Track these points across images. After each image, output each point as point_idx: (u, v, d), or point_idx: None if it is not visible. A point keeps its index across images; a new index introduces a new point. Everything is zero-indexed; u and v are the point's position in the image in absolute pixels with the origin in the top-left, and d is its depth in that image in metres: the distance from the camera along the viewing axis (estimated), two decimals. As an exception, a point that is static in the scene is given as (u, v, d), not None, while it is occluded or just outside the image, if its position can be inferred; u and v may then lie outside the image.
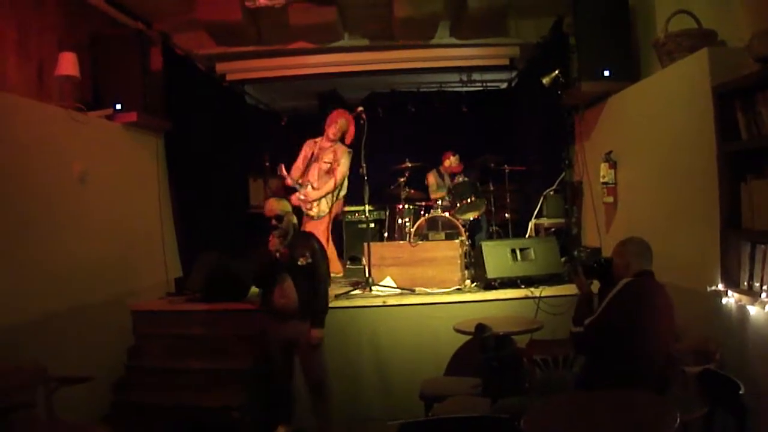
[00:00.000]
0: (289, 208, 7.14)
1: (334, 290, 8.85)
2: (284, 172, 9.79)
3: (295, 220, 7.24)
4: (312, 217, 9.99)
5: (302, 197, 9.82)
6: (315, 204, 9.94)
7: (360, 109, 9.21)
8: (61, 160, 7.32)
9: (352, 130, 10.12)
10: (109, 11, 8.95)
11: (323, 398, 7.14)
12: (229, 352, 8.02)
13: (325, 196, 10.02)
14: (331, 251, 10.04)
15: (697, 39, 6.25)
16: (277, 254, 6.85)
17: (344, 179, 10.10)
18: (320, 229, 9.85)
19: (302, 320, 6.88)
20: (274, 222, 6.95)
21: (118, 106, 8.53)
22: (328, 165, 9.99)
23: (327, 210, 10.05)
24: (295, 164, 10.14)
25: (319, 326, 6.93)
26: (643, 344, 4.81)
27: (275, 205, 7.03)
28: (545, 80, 8.87)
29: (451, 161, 12.23)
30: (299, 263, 6.88)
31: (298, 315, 6.88)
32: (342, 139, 10.16)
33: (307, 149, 10.22)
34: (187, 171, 10.17)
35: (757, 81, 4.98)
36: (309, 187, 9.85)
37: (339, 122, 10.07)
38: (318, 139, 10.22)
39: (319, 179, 9.97)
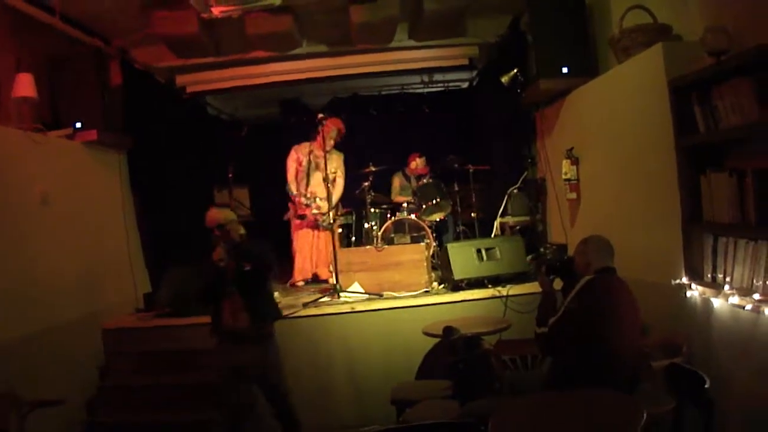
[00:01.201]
0: (233, 217, 6.76)
1: (301, 298, 8.87)
2: (296, 195, 9.81)
3: (242, 230, 6.74)
4: (326, 228, 9.94)
5: (316, 211, 9.89)
6: (327, 215, 9.78)
7: (321, 115, 9.23)
8: (22, 182, 7.25)
9: (343, 130, 10.43)
10: (65, 29, 8.84)
11: (295, 425, 6.67)
12: (201, 366, 7.93)
13: (337, 205, 10.07)
14: None
15: (652, 34, 6.28)
16: (221, 263, 6.38)
17: None
18: (327, 236, 9.99)
19: (256, 343, 6.40)
20: (216, 232, 6.53)
21: (78, 125, 8.46)
22: (333, 174, 10.06)
23: (336, 217, 10.07)
24: (290, 176, 10.22)
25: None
26: (608, 341, 4.81)
27: (217, 215, 6.62)
28: (504, 79, 8.89)
29: (417, 163, 12.21)
30: (246, 269, 6.35)
31: (252, 336, 6.38)
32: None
33: (299, 157, 10.24)
34: (151, 186, 10.09)
35: (712, 74, 5.01)
36: (317, 199, 9.89)
37: (333, 130, 10.19)
38: (305, 146, 10.25)
39: (323, 189, 9.86)
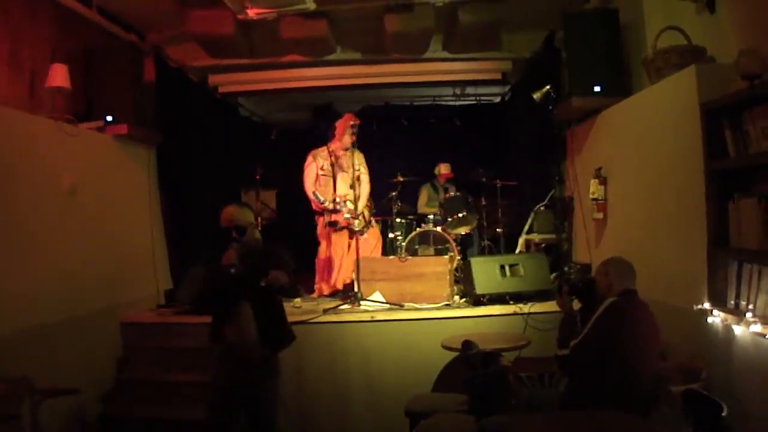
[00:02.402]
0: (252, 219, 6.27)
1: (322, 304, 8.85)
2: (323, 202, 9.70)
3: (258, 235, 6.45)
4: (362, 233, 9.76)
5: (348, 215, 9.68)
6: (361, 217, 9.80)
7: (352, 122, 9.20)
8: (51, 172, 7.30)
9: (357, 121, 10.17)
10: (102, 23, 8.93)
11: None
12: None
13: (367, 205, 10.06)
14: None
15: (686, 55, 6.22)
16: (232, 269, 5.72)
17: None
18: (375, 241, 10.08)
19: (260, 366, 5.71)
20: (234, 234, 6.00)
21: (109, 118, 8.50)
22: (357, 172, 9.98)
23: (369, 216, 10.11)
24: (309, 184, 9.97)
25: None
26: (628, 364, 4.79)
27: (236, 214, 6.08)
28: (536, 95, 8.85)
29: (441, 168, 12.21)
30: (262, 284, 5.71)
31: (256, 356, 5.68)
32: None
33: (319, 162, 10.05)
34: (179, 183, 10.16)
35: (744, 99, 4.95)
36: (347, 202, 9.73)
37: (347, 126, 9.99)
38: (323, 149, 10.07)
39: (351, 189, 9.85)
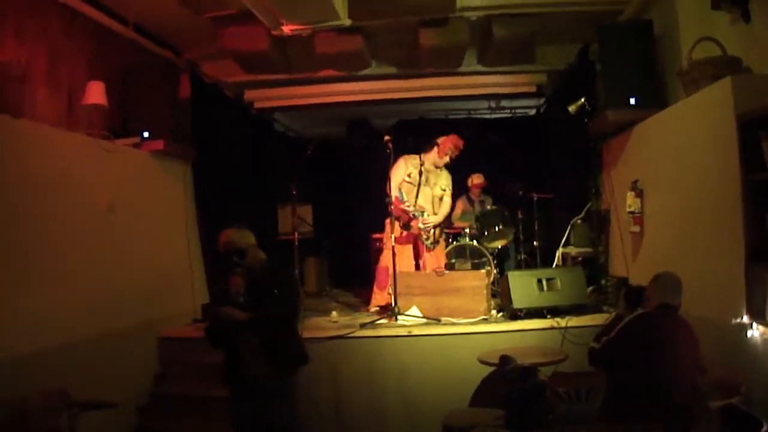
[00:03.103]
0: (253, 240, 5.98)
1: (359, 318, 8.85)
2: (396, 197, 9.57)
3: (262, 255, 6.05)
4: (428, 247, 9.79)
5: (421, 225, 9.60)
6: (432, 232, 9.78)
7: (387, 137, 9.16)
8: (89, 188, 7.38)
9: (461, 147, 9.93)
10: (138, 40, 9.04)
11: None
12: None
13: (442, 222, 10.00)
14: None
15: (721, 67, 6.18)
16: (240, 299, 5.62)
17: None
18: (439, 259, 9.90)
19: (274, 397, 5.64)
20: (235, 258, 5.77)
21: (146, 134, 8.57)
22: (442, 192, 9.95)
23: (438, 236, 10.00)
24: (394, 184, 9.55)
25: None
26: (657, 377, 4.79)
27: (235, 237, 5.84)
28: (571, 108, 8.84)
29: (473, 178, 12.21)
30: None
31: (269, 388, 5.61)
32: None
33: (409, 168, 9.85)
34: (215, 198, 10.21)
35: (781, 110, 4.93)
36: (424, 213, 9.65)
37: (451, 148, 9.79)
38: (415, 158, 9.90)
39: (433, 206, 9.86)
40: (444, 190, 9.96)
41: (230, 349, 5.72)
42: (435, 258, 9.85)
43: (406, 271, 9.31)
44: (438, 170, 9.93)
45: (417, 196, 9.61)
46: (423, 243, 9.65)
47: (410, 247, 9.81)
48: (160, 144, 8.63)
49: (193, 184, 9.93)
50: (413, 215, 9.57)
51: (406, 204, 9.47)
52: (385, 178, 9.22)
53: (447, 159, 9.82)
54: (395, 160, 9.49)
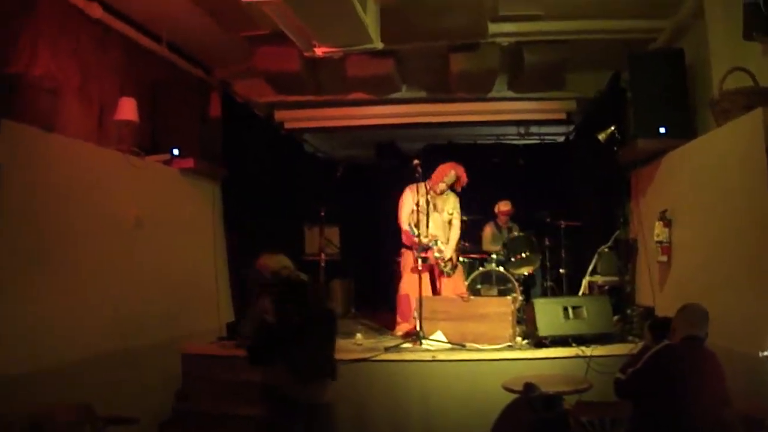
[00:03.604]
0: (288, 263, 6.16)
1: (384, 342, 8.85)
2: (406, 231, 9.67)
3: (303, 276, 6.17)
4: (448, 274, 9.78)
5: (438, 254, 9.55)
6: (449, 259, 9.77)
7: (416, 161, 9.17)
8: (118, 203, 7.43)
9: (464, 178, 9.98)
10: (170, 58, 9.11)
11: None
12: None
13: (456, 248, 10.01)
14: None
15: (753, 97, 6.14)
16: (269, 320, 5.64)
17: None
18: (457, 283, 9.87)
19: (307, 414, 5.66)
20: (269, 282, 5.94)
21: (176, 152, 8.63)
22: (450, 216, 9.96)
23: (456, 260, 10.00)
24: (404, 215, 9.79)
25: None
26: (683, 409, 4.76)
27: (270, 262, 6.09)
28: (601, 136, 8.82)
29: (500, 205, 12.16)
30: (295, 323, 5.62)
31: (302, 404, 5.65)
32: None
33: (416, 197, 9.70)
34: (243, 218, 10.27)
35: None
36: (438, 242, 9.60)
37: (449, 174, 9.84)
38: (421, 186, 9.72)
39: (443, 231, 9.84)
40: (451, 214, 9.98)
41: (266, 365, 5.83)
42: (453, 283, 9.84)
43: (431, 296, 9.31)
44: (443, 195, 9.95)
45: (428, 225, 9.57)
46: (442, 271, 9.60)
47: (427, 272, 9.74)
48: (190, 162, 8.69)
49: (222, 203, 9.98)
50: (428, 246, 9.56)
51: (418, 235, 9.46)
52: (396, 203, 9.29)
53: (444, 186, 9.88)
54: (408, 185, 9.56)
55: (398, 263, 10.12)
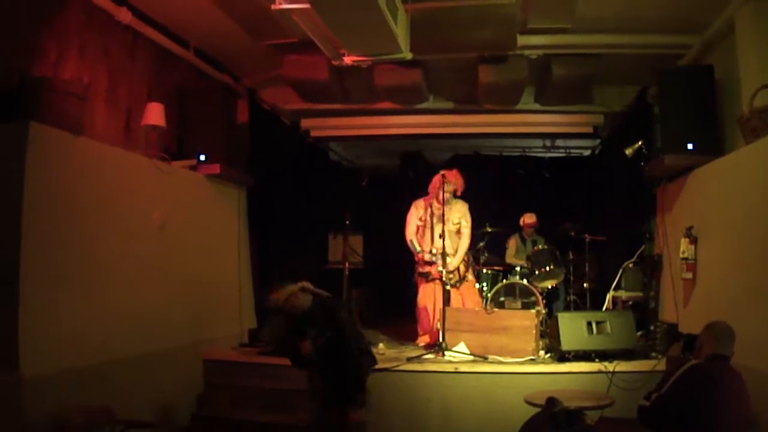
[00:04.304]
0: (291, 289, 6.24)
1: (406, 352, 8.84)
2: (419, 252, 9.75)
3: (308, 300, 6.25)
4: (455, 286, 9.71)
5: (442, 269, 9.38)
6: (455, 271, 9.77)
7: (443, 172, 9.18)
8: (144, 207, 7.49)
9: (461, 181, 9.92)
10: (198, 64, 9.19)
11: None
12: (298, 408, 7.96)
13: (464, 259, 9.97)
14: None
15: (783, 116, 6.14)
16: (309, 356, 5.98)
17: None
18: (465, 296, 9.84)
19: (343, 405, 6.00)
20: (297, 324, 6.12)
21: (202, 158, 8.68)
22: (457, 225, 9.89)
23: (464, 271, 9.98)
24: (409, 231, 9.87)
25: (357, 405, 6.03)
26: (709, 430, 4.71)
27: (280, 296, 6.16)
28: (628, 151, 8.77)
29: (525, 218, 12.08)
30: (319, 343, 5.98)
31: (335, 401, 6.03)
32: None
33: (421, 212, 9.91)
34: (268, 224, 10.33)
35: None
36: (442, 256, 9.45)
37: (449, 183, 9.68)
38: (422, 201, 9.97)
39: (451, 240, 9.73)
40: (458, 223, 9.89)
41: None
42: (461, 294, 9.81)
43: (455, 308, 9.30)
44: (449, 204, 9.81)
45: (432, 238, 9.60)
46: (447, 284, 9.56)
47: (438, 284, 9.69)
48: (217, 168, 8.74)
49: (247, 209, 10.04)
50: (433, 260, 9.60)
51: (421, 252, 9.64)
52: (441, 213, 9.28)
53: (447, 195, 9.73)
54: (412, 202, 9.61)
55: (416, 275, 10.10)
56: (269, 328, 8.73)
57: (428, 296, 9.75)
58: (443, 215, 9.53)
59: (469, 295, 9.89)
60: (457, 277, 9.71)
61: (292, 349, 6.17)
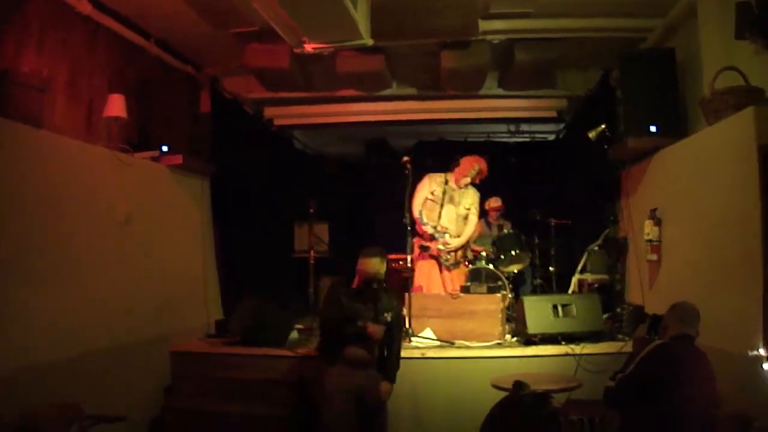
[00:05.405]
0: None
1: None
2: (426, 223, 9.74)
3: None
4: (449, 268, 9.82)
5: (441, 246, 9.63)
6: (453, 253, 9.83)
7: (406, 158, 9.14)
8: (107, 200, 7.40)
9: (485, 172, 10.02)
10: (159, 54, 9.08)
11: None
12: (265, 397, 7.96)
13: (466, 244, 10.04)
14: None
15: (743, 97, 6.15)
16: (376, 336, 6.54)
17: None
18: (455, 281, 9.82)
19: (377, 370, 6.68)
20: (374, 285, 6.84)
21: (165, 148, 8.60)
22: (467, 211, 9.94)
23: (462, 257, 10.05)
24: (417, 202, 9.77)
25: (391, 381, 6.79)
26: (676, 409, 4.74)
27: (379, 267, 6.88)
28: (591, 134, 8.80)
29: (490, 202, 12.06)
30: (382, 319, 6.62)
31: (373, 365, 6.65)
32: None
33: (432, 186, 9.90)
34: (232, 214, 10.27)
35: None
36: (447, 235, 9.67)
37: (474, 167, 9.84)
38: (441, 176, 9.97)
39: (456, 225, 9.86)
40: (468, 209, 9.93)
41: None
42: (451, 279, 9.82)
43: (421, 293, 9.30)
44: (463, 189, 9.91)
45: (440, 215, 9.63)
46: (443, 265, 9.62)
47: (435, 265, 9.82)
48: (179, 158, 8.66)
49: (211, 199, 9.97)
50: (433, 236, 9.60)
51: (426, 224, 9.56)
52: (402, 199, 9.21)
53: (468, 180, 9.84)
54: (415, 181, 9.49)
55: (395, 260, 10.01)
56: (238, 317, 8.70)
57: (424, 275, 9.78)
58: (459, 198, 9.76)
59: (460, 282, 9.82)
60: (453, 260, 9.75)
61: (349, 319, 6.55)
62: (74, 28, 7.53)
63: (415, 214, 9.64)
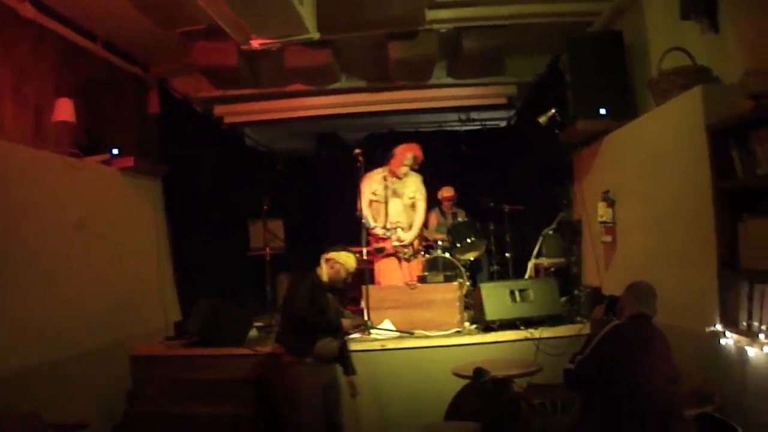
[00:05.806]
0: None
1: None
2: (373, 227, 9.73)
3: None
4: (408, 260, 9.82)
5: (396, 243, 9.63)
6: (410, 246, 9.83)
7: (357, 151, 9.13)
8: (58, 206, 7.28)
9: (420, 156, 10.02)
10: (105, 56, 8.98)
11: None
12: (227, 396, 7.90)
13: (420, 233, 10.04)
14: None
15: (691, 77, 6.19)
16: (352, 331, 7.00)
17: None
18: (413, 271, 9.81)
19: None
20: (348, 281, 7.15)
21: (115, 151, 8.48)
22: (412, 199, 9.93)
23: (418, 246, 10.07)
24: (361, 205, 9.67)
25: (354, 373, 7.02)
26: (635, 388, 4.78)
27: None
28: (541, 119, 8.81)
29: (443, 191, 12.10)
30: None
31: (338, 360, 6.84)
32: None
33: (373, 186, 9.86)
34: (186, 215, 10.19)
35: (751, 118, 4.93)
36: (399, 230, 9.67)
37: (407, 156, 9.84)
38: (378, 172, 9.95)
39: (406, 215, 9.87)
40: (413, 197, 9.93)
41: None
42: (410, 270, 9.82)
43: (378, 285, 9.30)
44: (403, 178, 9.91)
45: (387, 213, 9.62)
46: (401, 258, 9.63)
47: (393, 260, 9.82)
48: (130, 161, 8.56)
49: (164, 200, 9.89)
50: (387, 235, 9.63)
51: (375, 227, 9.64)
52: (356, 192, 9.23)
53: (405, 169, 9.85)
54: (367, 173, 9.49)
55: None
56: (196, 317, 8.64)
57: (384, 273, 9.79)
58: (402, 189, 9.75)
59: (419, 272, 9.83)
60: (411, 252, 9.76)
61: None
62: (18, 32, 7.41)
63: (364, 219, 9.65)
